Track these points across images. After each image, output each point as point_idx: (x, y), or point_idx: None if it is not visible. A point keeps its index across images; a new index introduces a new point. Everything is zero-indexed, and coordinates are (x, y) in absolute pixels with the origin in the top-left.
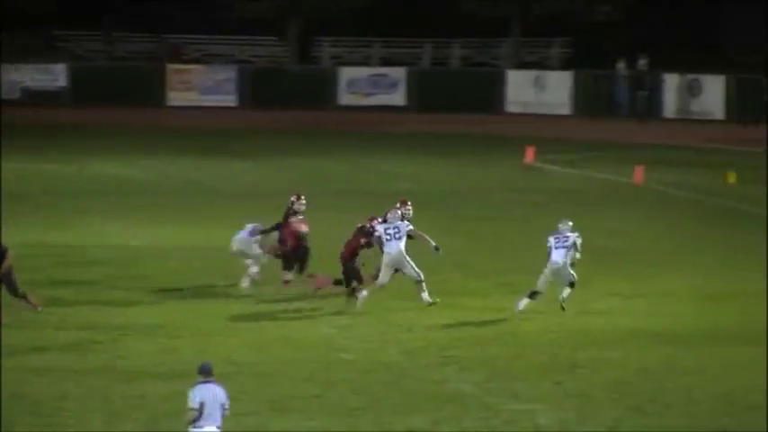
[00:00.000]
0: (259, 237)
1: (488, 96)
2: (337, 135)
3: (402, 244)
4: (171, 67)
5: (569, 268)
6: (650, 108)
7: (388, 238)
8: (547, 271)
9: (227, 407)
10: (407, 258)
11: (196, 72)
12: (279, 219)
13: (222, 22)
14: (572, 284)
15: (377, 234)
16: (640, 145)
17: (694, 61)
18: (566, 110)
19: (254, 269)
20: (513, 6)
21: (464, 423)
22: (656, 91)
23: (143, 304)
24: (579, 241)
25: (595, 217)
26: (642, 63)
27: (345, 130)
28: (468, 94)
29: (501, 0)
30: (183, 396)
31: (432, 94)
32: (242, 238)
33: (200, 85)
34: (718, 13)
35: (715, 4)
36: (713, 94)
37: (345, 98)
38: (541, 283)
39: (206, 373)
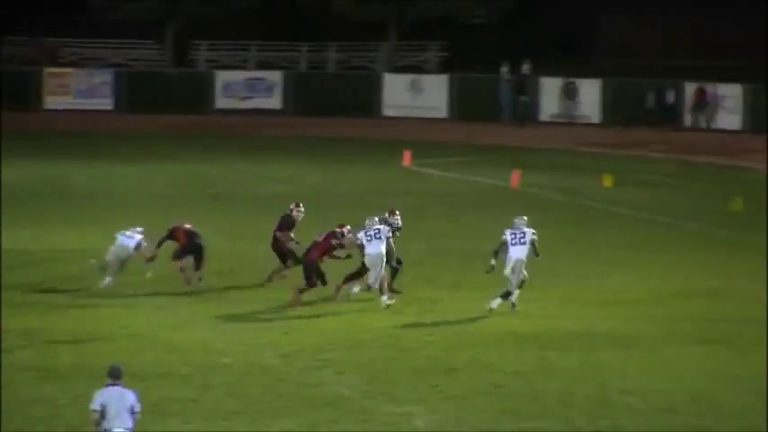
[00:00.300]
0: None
1: (365, 100)
2: (214, 138)
3: (382, 246)
4: (48, 70)
5: (523, 268)
6: (531, 112)
7: (369, 239)
8: (509, 267)
9: (137, 410)
10: (383, 263)
11: (72, 75)
12: (159, 223)
13: (99, 25)
14: (522, 283)
15: (357, 236)
16: (518, 148)
17: (570, 65)
18: (443, 113)
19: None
20: (390, 9)
21: (341, 426)
22: (533, 95)
23: (23, 307)
24: (536, 238)
25: (470, 220)
26: (526, 68)
27: (222, 133)
28: (345, 97)
29: (377, 3)
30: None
31: (308, 98)
32: (124, 246)
33: (76, 89)
34: (594, 18)
35: (588, 13)
36: (589, 97)
37: (222, 102)
38: (513, 282)
39: (114, 376)
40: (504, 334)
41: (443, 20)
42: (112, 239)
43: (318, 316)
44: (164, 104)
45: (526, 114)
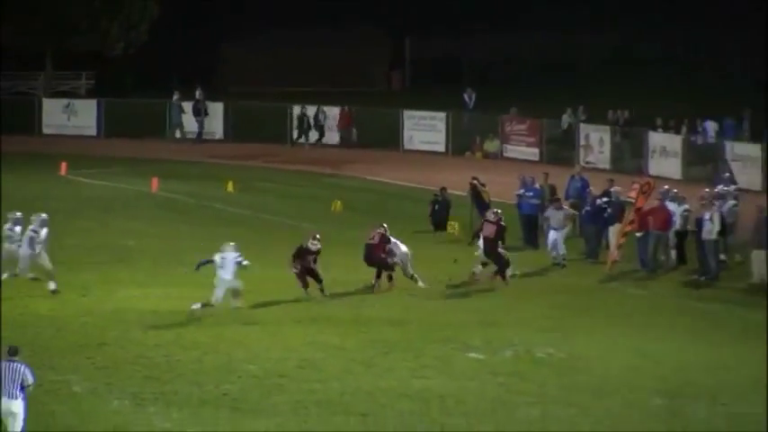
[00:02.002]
0: None
1: (28, 120)
2: None
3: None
4: None
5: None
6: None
7: None
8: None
9: (30, 383)
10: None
11: None
12: None
13: None
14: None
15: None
16: (157, 160)
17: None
18: (93, 131)
19: None
20: (47, 42)
21: None
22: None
23: None
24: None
25: (118, 220)
26: (199, 93)
27: None
28: (11, 118)
29: (36, 36)
30: None
31: None
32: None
33: None
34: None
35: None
36: (215, 116)
37: None
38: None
39: (11, 353)
40: (145, 313)
41: (92, 53)
42: None
43: None
44: None
45: (201, 131)
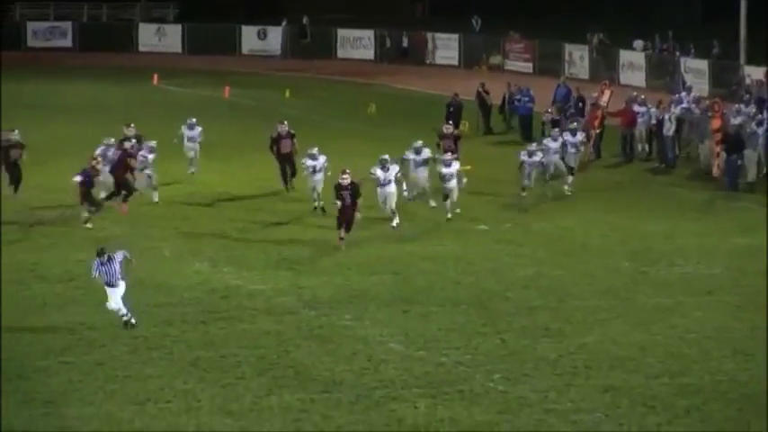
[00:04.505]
0: None
1: (127, 41)
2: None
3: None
4: None
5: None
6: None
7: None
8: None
9: (124, 257)
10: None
11: None
12: None
13: None
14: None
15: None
16: (229, 72)
17: (264, 16)
18: (178, 50)
19: None
20: None
21: None
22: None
23: None
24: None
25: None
26: (306, 19)
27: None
28: (114, 39)
29: None
30: None
31: (90, 39)
32: None
33: None
34: None
35: None
36: (274, 39)
37: (32, 42)
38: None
39: (101, 253)
40: (221, 193)
41: None
42: None
43: None
44: None
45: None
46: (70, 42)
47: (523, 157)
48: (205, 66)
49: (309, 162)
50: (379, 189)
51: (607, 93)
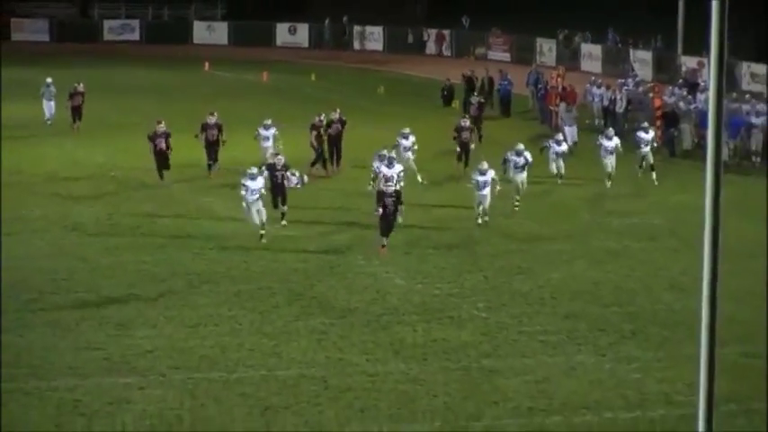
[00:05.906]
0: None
1: (184, 35)
2: (103, 58)
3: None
4: None
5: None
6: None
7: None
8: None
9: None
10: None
11: None
12: None
13: None
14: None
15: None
16: (267, 60)
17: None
18: (225, 42)
19: None
20: None
21: None
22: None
23: None
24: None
25: (241, 100)
26: (345, 19)
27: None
28: (173, 33)
29: None
30: None
31: (157, 35)
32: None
33: None
34: None
35: None
36: (304, 33)
37: (108, 37)
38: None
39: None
40: (249, 161)
41: None
42: None
43: None
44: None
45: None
46: (138, 36)
47: (551, 144)
48: (247, 55)
49: (263, 132)
50: (476, 192)
51: (559, 79)
